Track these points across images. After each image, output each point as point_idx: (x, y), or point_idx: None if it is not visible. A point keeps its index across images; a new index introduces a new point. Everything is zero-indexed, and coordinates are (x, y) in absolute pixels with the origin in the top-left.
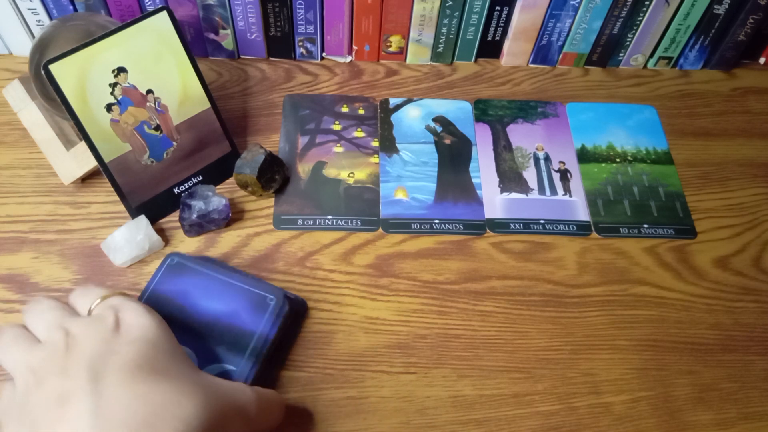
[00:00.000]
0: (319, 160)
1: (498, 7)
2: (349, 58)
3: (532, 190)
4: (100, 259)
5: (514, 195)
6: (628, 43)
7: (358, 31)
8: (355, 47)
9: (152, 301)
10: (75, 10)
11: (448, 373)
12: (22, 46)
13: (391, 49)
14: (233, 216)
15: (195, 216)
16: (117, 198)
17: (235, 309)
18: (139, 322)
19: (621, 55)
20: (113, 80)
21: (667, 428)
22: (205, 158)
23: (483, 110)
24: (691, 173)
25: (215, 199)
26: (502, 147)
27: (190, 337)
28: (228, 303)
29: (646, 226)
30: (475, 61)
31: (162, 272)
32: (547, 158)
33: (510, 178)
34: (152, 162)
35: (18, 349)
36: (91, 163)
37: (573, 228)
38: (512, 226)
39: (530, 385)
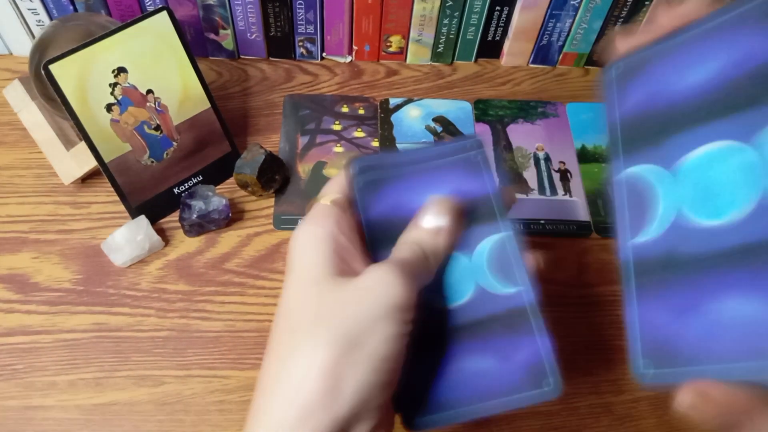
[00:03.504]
0: (320, 160)
1: (498, 7)
2: (349, 58)
3: (533, 190)
4: (100, 259)
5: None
6: None
7: (358, 31)
8: (355, 47)
9: (375, 231)
10: (75, 10)
11: None
12: (22, 46)
13: (391, 49)
14: (233, 216)
15: (195, 216)
16: (117, 198)
17: (455, 187)
18: None
19: None
20: (113, 80)
21: (667, 428)
22: (205, 158)
23: (483, 110)
24: None
25: (215, 199)
26: (502, 147)
27: None
28: (444, 185)
29: None
30: (475, 61)
31: (362, 199)
32: (547, 158)
33: (510, 178)
34: (152, 162)
35: None
36: (91, 163)
37: (573, 228)
38: None
39: None
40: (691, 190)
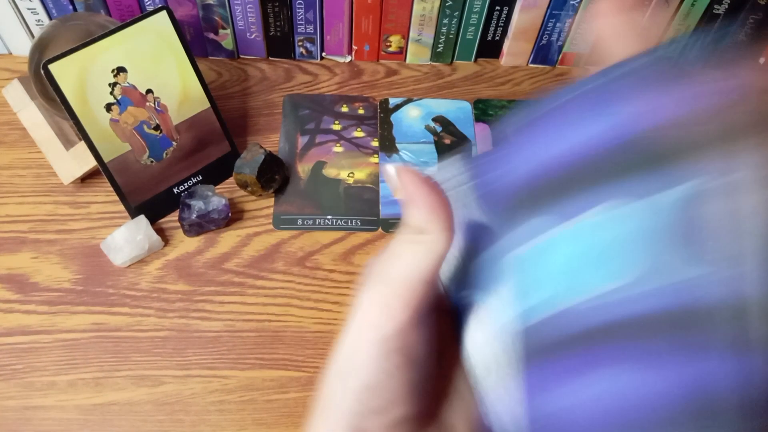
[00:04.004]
0: (319, 160)
1: (498, 7)
2: (348, 58)
3: None
4: (100, 259)
5: None
6: None
7: (358, 30)
8: (354, 47)
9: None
10: (75, 10)
11: None
12: (22, 46)
13: (390, 49)
14: (233, 216)
15: (195, 216)
16: (117, 198)
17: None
18: None
19: None
20: (113, 80)
21: None
22: (205, 158)
23: (483, 110)
24: None
25: (215, 198)
26: None
27: None
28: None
29: None
30: (475, 61)
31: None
32: None
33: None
34: (152, 162)
35: None
36: (91, 162)
37: None
38: None
39: None
40: (577, 256)
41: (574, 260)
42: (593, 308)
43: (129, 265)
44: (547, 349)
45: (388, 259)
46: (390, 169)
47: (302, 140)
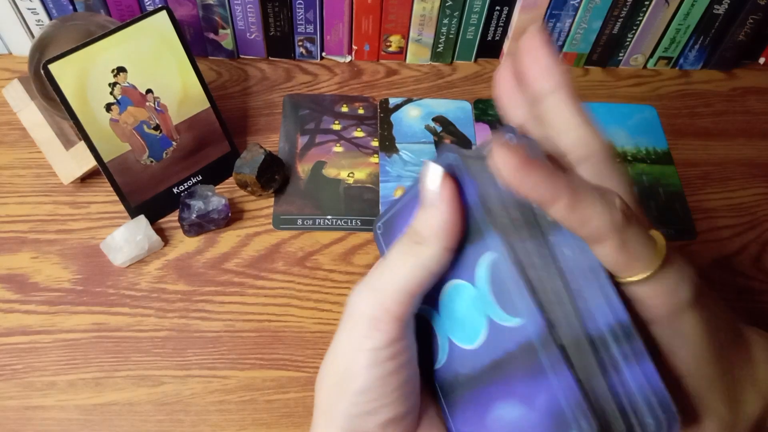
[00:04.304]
0: (319, 160)
1: (498, 7)
2: (348, 58)
3: None
4: (99, 259)
5: None
6: (628, 43)
7: (358, 30)
8: (354, 47)
9: None
10: (75, 10)
11: None
12: (22, 46)
13: (390, 49)
14: (233, 216)
15: (194, 216)
16: (116, 198)
17: None
18: None
19: (621, 55)
20: (113, 80)
21: None
22: (205, 158)
23: (483, 110)
24: (692, 173)
25: (215, 198)
26: None
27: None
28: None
29: None
30: (475, 61)
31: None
32: None
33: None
34: (152, 162)
35: None
36: (91, 162)
37: None
38: None
39: None
40: (450, 321)
41: (455, 321)
42: (475, 354)
43: (129, 265)
44: (461, 385)
45: (382, 266)
46: (435, 171)
47: (302, 140)
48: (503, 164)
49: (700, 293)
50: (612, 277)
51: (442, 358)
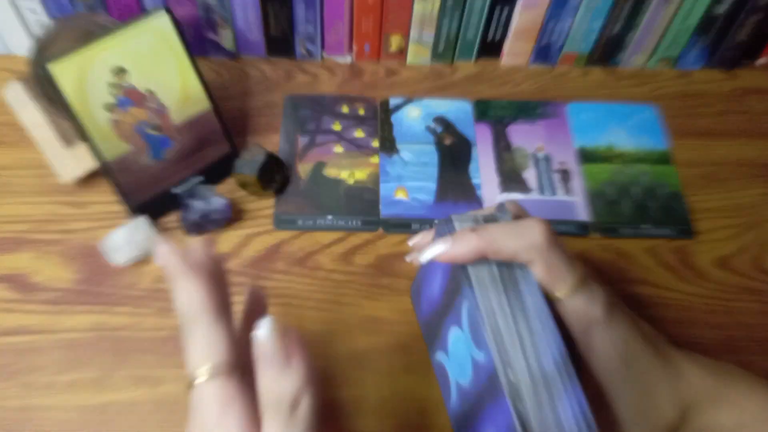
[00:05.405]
0: (319, 161)
1: (498, 7)
2: (349, 58)
3: (533, 190)
4: (100, 259)
5: (515, 195)
6: (628, 43)
7: (358, 30)
8: (355, 47)
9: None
10: (75, 10)
11: None
12: (22, 46)
13: (391, 49)
14: (233, 216)
15: (195, 216)
16: (117, 198)
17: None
18: None
19: (621, 55)
20: (113, 80)
21: None
22: (205, 158)
23: (483, 110)
24: (692, 173)
25: (215, 199)
26: (502, 147)
27: None
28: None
29: (646, 226)
30: (476, 61)
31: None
32: (547, 158)
33: (510, 179)
34: (152, 162)
35: None
36: (91, 163)
37: (573, 228)
38: None
39: None
40: (454, 363)
41: (456, 362)
42: (468, 391)
43: (129, 265)
44: (466, 419)
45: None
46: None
47: (302, 140)
48: (439, 259)
49: (610, 313)
50: (547, 298)
51: (453, 398)
